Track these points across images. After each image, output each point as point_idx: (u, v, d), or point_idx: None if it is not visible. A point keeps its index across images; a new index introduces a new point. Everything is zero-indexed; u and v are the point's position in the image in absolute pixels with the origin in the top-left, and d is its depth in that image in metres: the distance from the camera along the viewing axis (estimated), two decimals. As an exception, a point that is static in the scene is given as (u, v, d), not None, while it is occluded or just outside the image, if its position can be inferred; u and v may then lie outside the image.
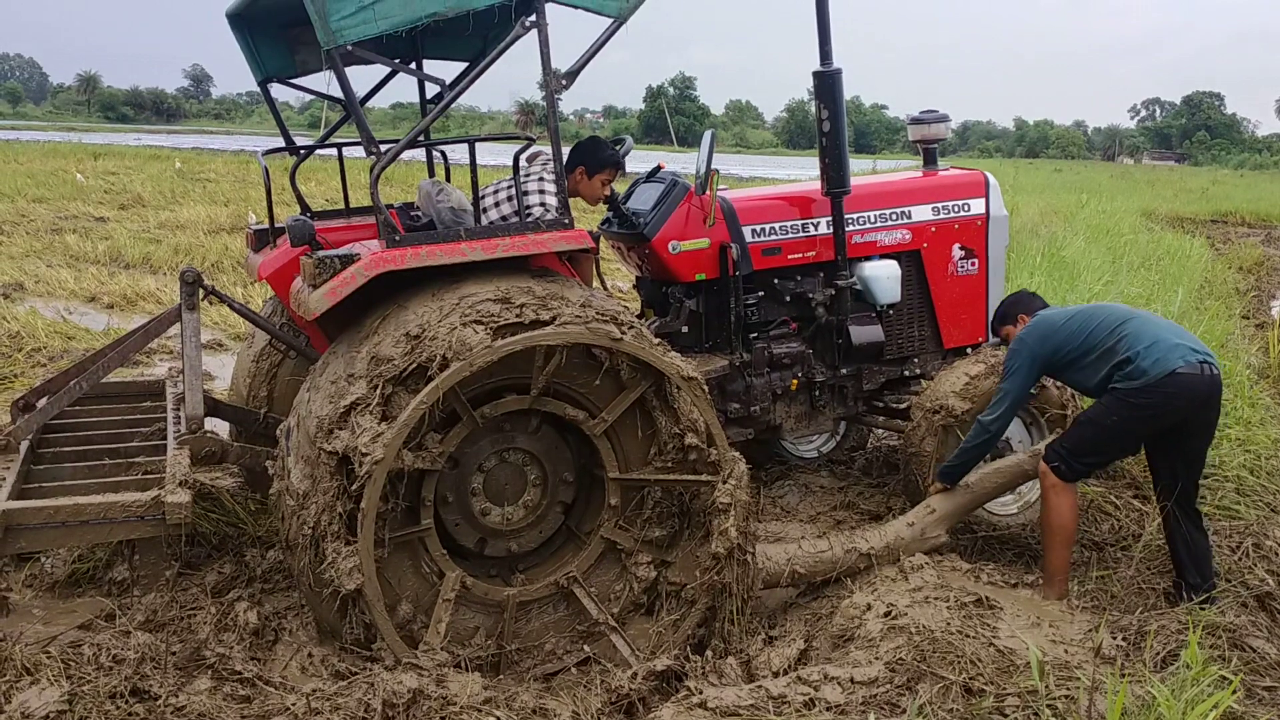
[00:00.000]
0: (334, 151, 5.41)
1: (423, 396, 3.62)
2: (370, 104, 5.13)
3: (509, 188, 4.76)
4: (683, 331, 5.28)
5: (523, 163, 4.50)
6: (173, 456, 4.46)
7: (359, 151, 4.14)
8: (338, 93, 4.01)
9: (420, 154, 5.63)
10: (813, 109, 5.30)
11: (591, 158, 4.97)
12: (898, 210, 5.63)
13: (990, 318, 5.87)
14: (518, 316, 3.77)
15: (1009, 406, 4.57)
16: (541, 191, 4.61)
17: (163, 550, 4.26)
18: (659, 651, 4.07)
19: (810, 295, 5.42)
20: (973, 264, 5.81)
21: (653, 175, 5.54)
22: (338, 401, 3.71)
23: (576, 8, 4.00)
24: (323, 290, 3.86)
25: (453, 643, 3.94)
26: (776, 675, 3.79)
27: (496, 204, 4.79)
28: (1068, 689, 3.40)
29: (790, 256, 5.40)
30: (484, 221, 4.50)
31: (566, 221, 4.16)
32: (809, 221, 5.42)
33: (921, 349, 5.83)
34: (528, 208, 4.55)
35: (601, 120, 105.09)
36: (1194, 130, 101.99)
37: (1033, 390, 4.87)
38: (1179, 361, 4.19)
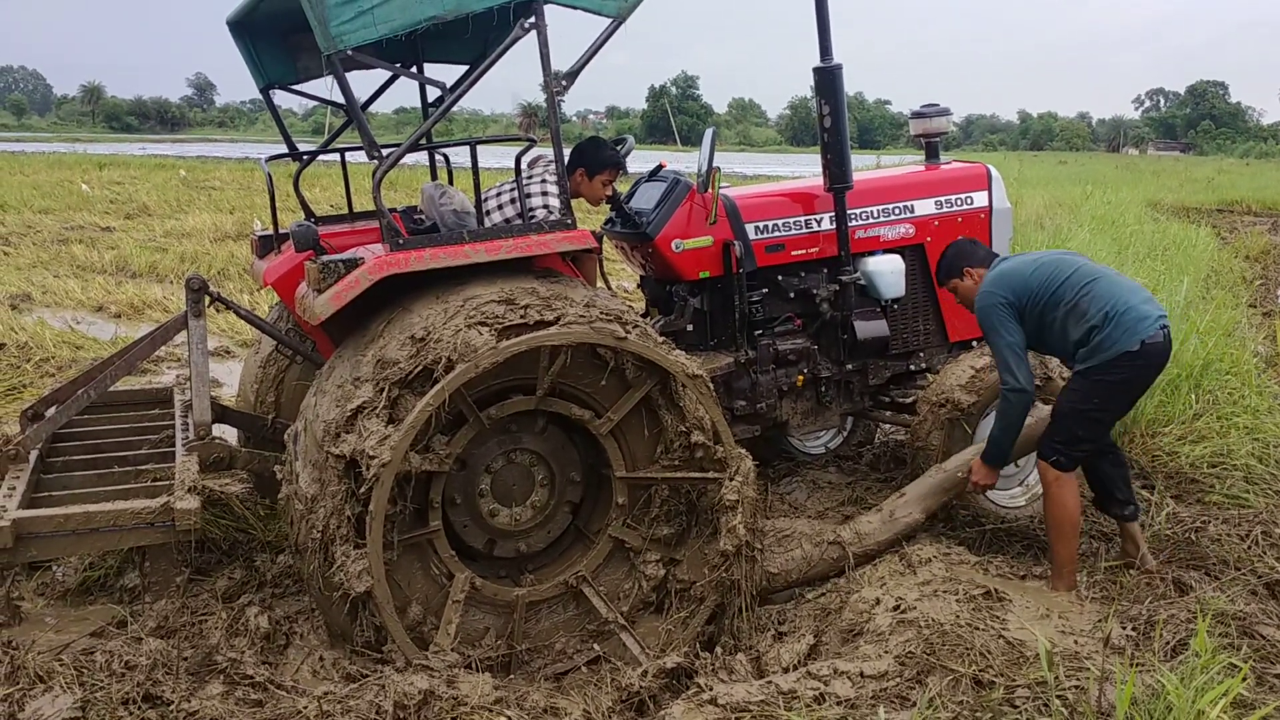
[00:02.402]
0: (337, 157, 5.42)
1: (428, 399, 3.63)
2: (374, 108, 5.14)
3: (511, 190, 4.77)
4: (687, 330, 5.29)
5: (524, 165, 4.51)
6: (181, 463, 4.48)
7: (362, 156, 4.15)
8: (339, 98, 4.03)
9: (423, 157, 5.65)
10: (815, 105, 5.29)
11: (591, 159, 4.98)
12: (900, 205, 5.63)
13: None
14: (522, 317, 3.78)
15: (1019, 359, 4.34)
16: (544, 194, 4.62)
17: (173, 556, 4.28)
18: (669, 649, 4.08)
19: (814, 291, 5.42)
20: (977, 257, 5.80)
21: (655, 174, 5.54)
22: (344, 405, 3.73)
23: (575, 8, 4.01)
24: (327, 295, 3.87)
25: (463, 644, 3.95)
26: (786, 671, 3.80)
27: (500, 207, 4.81)
28: (1077, 679, 3.41)
29: (794, 253, 5.40)
30: (487, 224, 4.51)
31: (569, 222, 4.17)
32: (812, 217, 5.42)
33: (926, 343, 5.83)
34: (531, 210, 4.57)
35: (605, 121, 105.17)
36: (1198, 120, 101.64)
37: None
38: (1148, 332, 4.21)
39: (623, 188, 5.44)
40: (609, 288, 5.09)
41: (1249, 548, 4.67)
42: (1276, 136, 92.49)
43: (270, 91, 5.10)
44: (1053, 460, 4.38)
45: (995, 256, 4.73)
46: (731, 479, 4.10)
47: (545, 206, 4.58)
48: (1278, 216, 24.96)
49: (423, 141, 4.42)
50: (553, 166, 4.54)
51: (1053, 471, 4.39)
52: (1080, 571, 4.53)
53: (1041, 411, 4.85)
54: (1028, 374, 4.36)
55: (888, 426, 6.61)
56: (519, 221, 4.62)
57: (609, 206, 5.29)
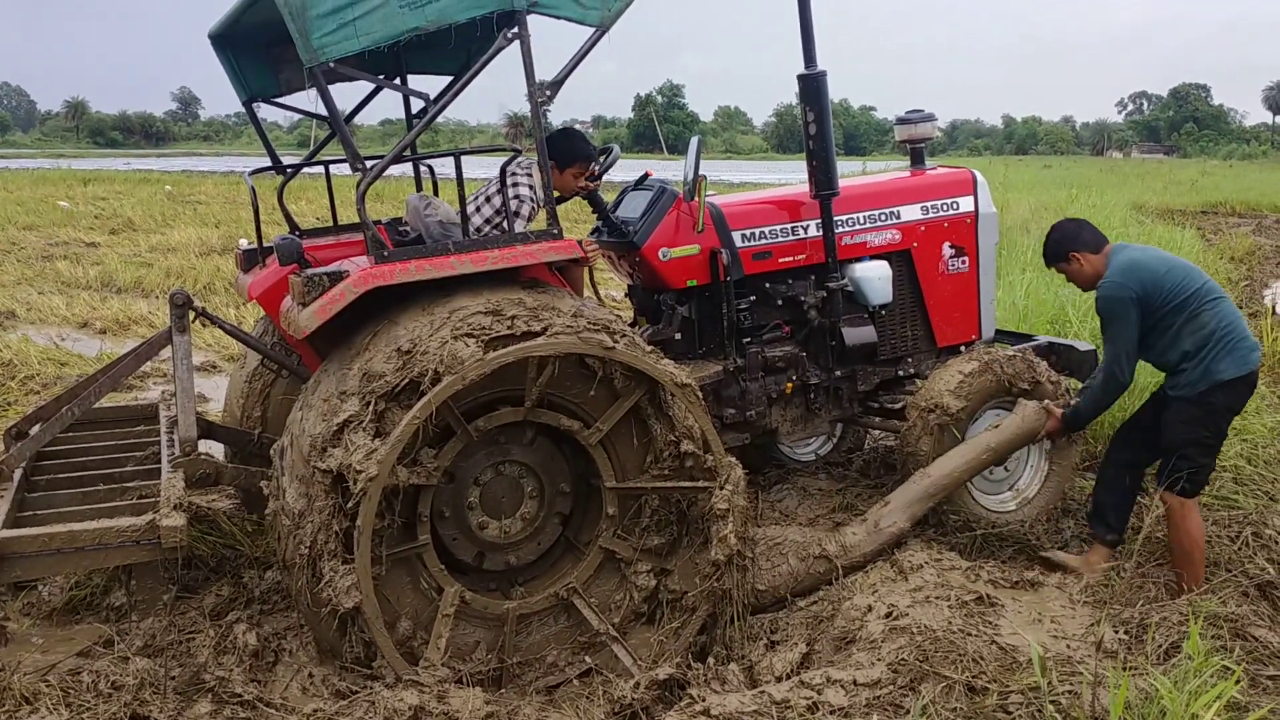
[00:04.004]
0: (322, 169, 5.40)
1: (415, 412, 3.61)
2: (359, 120, 5.13)
3: (486, 192, 4.79)
4: (676, 338, 5.27)
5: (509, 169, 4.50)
6: (167, 480, 4.45)
7: (347, 169, 4.14)
8: (322, 110, 4.01)
9: (408, 169, 5.63)
10: (800, 112, 5.29)
11: (562, 151, 4.92)
12: (886, 211, 5.63)
13: (981, 314, 5.88)
14: (509, 328, 3.76)
15: (1132, 356, 4.42)
16: (514, 185, 4.57)
17: (160, 574, 4.24)
18: (661, 660, 4.05)
19: (802, 298, 5.42)
20: (963, 262, 5.81)
21: (640, 183, 5.53)
22: (331, 419, 3.70)
23: (559, 18, 4.00)
24: (312, 308, 3.85)
25: (453, 658, 3.92)
26: (779, 680, 3.78)
27: (478, 209, 4.80)
28: (1071, 684, 3.40)
29: (781, 260, 5.39)
30: (471, 226, 4.49)
31: (555, 232, 4.16)
32: (798, 224, 5.42)
33: (915, 348, 5.83)
34: (515, 198, 4.53)
35: (591, 130, 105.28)
36: (1182, 122, 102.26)
37: None
38: (1256, 362, 4.34)
39: (609, 197, 5.43)
40: (598, 297, 5.08)
41: (1239, 549, 4.68)
42: (1259, 138, 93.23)
43: (253, 104, 5.07)
44: (1179, 490, 4.38)
45: (1105, 240, 4.64)
46: (722, 488, 4.08)
47: (517, 198, 4.55)
48: (1262, 217, 25.09)
49: (407, 153, 4.40)
50: (524, 163, 4.56)
51: (1178, 499, 4.38)
52: (1068, 575, 4.53)
53: (1025, 409, 4.87)
54: (1133, 371, 4.47)
55: (877, 433, 6.61)
56: (497, 220, 4.61)
57: (595, 215, 5.28)
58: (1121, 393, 4.58)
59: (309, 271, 3.97)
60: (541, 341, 3.76)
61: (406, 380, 3.66)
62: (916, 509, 4.79)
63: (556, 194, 5.00)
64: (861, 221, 5.56)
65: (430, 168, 5.50)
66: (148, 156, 70.81)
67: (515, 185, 4.59)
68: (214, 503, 5.37)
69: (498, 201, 4.69)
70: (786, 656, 3.98)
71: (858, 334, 5.46)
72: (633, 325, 5.50)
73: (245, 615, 4.43)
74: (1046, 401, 4.98)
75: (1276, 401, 6.93)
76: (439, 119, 4.39)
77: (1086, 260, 4.58)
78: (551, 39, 4.55)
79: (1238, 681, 3.23)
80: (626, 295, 5.94)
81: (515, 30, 3.87)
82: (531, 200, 4.58)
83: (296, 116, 5.56)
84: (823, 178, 5.18)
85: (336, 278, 3.89)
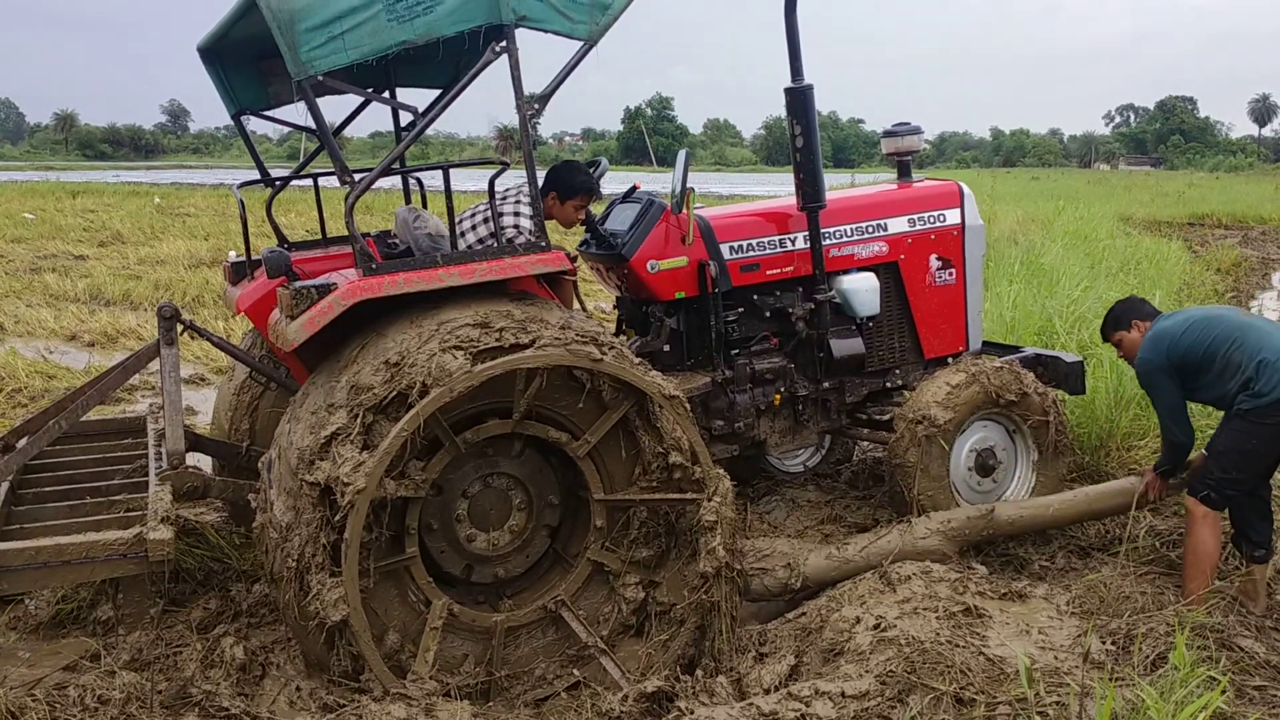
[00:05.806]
0: (311, 182, 5.40)
1: (403, 424, 3.61)
2: (349, 133, 5.15)
3: (484, 211, 4.78)
4: (664, 350, 5.29)
5: (498, 188, 4.51)
6: (154, 493, 4.43)
7: (336, 181, 4.14)
8: (311, 123, 4.02)
9: (398, 181, 5.64)
10: (787, 125, 5.32)
11: (565, 183, 4.99)
12: (874, 223, 5.66)
13: (968, 326, 5.90)
14: (497, 340, 3.77)
15: (1178, 418, 4.58)
16: (516, 214, 4.62)
17: (147, 588, 4.23)
18: (649, 673, 4.04)
19: (790, 310, 5.43)
20: (950, 274, 5.84)
21: (629, 195, 5.55)
22: (318, 432, 3.70)
23: (546, 32, 4.02)
24: (300, 321, 3.85)
25: (441, 671, 3.91)
26: (767, 692, 3.78)
27: (473, 228, 4.81)
28: (1058, 695, 3.41)
29: (769, 272, 5.41)
30: (461, 246, 4.50)
31: (543, 244, 4.17)
32: (786, 237, 5.44)
33: (902, 360, 5.85)
34: (503, 229, 4.56)
35: (580, 143, 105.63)
36: (1168, 135, 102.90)
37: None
38: None
39: (597, 209, 5.44)
40: (585, 309, 5.08)
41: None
42: (1245, 150, 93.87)
43: (242, 117, 5.08)
44: (1202, 496, 4.40)
45: (1158, 313, 4.79)
46: (710, 499, 4.08)
47: (516, 227, 4.57)
48: (1248, 229, 25.25)
49: (396, 166, 4.40)
50: (526, 188, 4.55)
51: (1201, 508, 4.40)
52: (1058, 585, 4.54)
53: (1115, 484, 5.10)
54: (1188, 430, 4.63)
55: (865, 444, 6.62)
56: (491, 242, 4.61)
57: (584, 228, 5.29)
58: (1188, 449, 4.69)
59: (297, 284, 3.97)
60: (530, 354, 3.76)
61: (394, 392, 3.66)
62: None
63: (556, 223, 5.03)
64: (849, 234, 5.58)
65: (419, 180, 5.51)
66: (137, 169, 70.56)
67: (517, 215, 4.61)
68: (201, 516, 5.35)
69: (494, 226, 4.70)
70: (775, 669, 3.98)
71: (845, 346, 5.48)
72: (619, 336, 5.51)
73: (233, 628, 4.41)
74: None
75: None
76: (428, 131, 4.41)
77: (1143, 328, 4.72)
78: (540, 52, 4.57)
79: (1223, 692, 3.24)
80: (615, 307, 5.95)
81: (503, 44, 3.88)
82: (530, 235, 4.58)
83: (286, 129, 5.57)
84: (810, 190, 5.21)
85: (324, 290, 3.89)
